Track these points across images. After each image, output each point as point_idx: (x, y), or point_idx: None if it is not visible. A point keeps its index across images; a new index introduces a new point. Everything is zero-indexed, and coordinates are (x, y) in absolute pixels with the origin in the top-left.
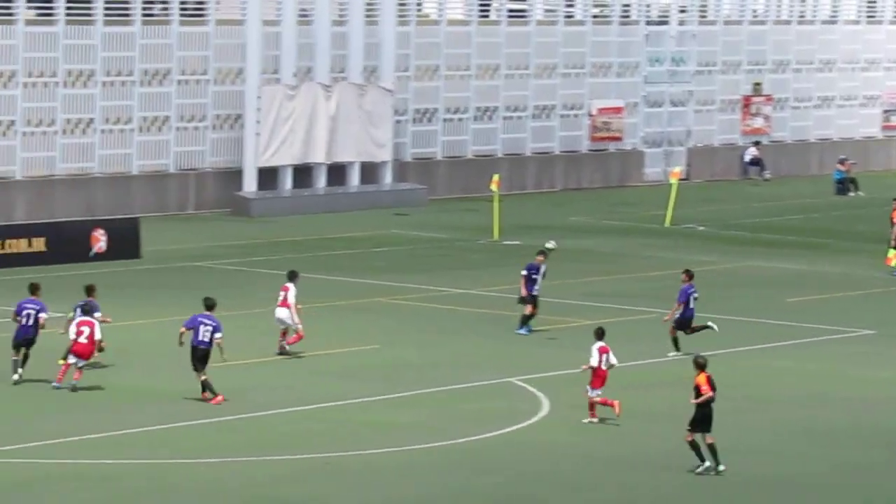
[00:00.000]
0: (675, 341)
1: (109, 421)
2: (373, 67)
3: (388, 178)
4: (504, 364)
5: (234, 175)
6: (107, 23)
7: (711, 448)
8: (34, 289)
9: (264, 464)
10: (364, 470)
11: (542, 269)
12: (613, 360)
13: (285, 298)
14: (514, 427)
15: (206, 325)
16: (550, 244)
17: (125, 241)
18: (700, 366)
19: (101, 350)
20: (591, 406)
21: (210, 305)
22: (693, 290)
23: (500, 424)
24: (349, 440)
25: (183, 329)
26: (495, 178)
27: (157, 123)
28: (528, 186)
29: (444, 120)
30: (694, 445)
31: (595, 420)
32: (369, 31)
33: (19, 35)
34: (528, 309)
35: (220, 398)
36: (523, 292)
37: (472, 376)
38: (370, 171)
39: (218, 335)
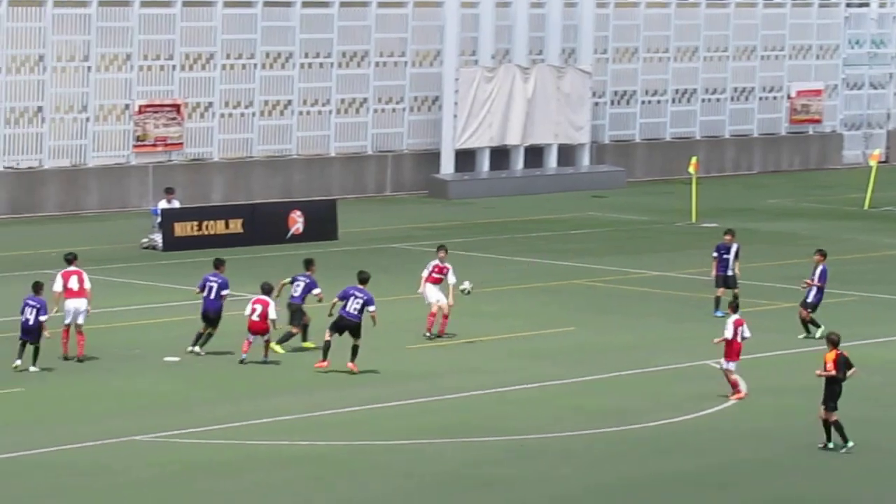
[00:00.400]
0: (809, 323)
1: (309, 402)
2: (571, 50)
3: (585, 160)
4: (699, 346)
5: (432, 157)
6: (305, 4)
7: (836, 425)
8: (218, 264)
9: (462, 446)
10: (561, 453)
11: (734, 248)
12: (748, 333)
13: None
14: (710, 410)
15: (356, 297)
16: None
17: (322, 223)
18: (832, 343)
19: (274, 328)
20: (734, 385)
21: (363, 279)
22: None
23: (696, 408)
24: (546, 423)
25: (336, 300)
26: (693, 160)
27: (355, 105)
28: (727, 169)
29: (643, 102)
30: (826, 424)
31: (742, 397)
32: (567, 13)
33: (218, 17)
34: (719, 291)
35: (324, 364)
36: (714, 273)
37: (667, 359)
38: (568, 154)
39: (371, 308)
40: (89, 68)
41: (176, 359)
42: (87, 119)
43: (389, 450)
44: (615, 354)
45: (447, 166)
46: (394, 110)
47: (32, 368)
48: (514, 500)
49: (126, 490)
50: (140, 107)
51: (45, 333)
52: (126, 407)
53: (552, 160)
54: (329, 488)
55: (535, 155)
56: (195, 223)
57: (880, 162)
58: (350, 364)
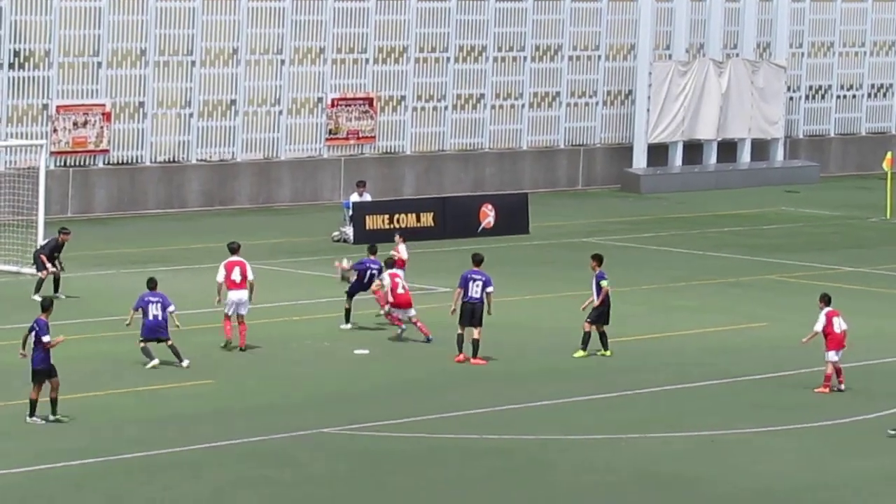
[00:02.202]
0: None
1: (497, 395)
2: (766, 44)
3: (779, 155)
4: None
5: (624, 151)
6: None
7: None
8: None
9: (650, 441)
10: (748, 449)
11: None
12: (844, 324)
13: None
14: None
15: (475, 280)
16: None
17: (514, 217)
18: None
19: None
20: (838, 372)
21: (478, 260)
22: None
23: (888, 404)
24: (736, 418)
25: (458, 290)
26: (888, 156)
27: (548, 99)
28: None
29: (838, 97)
30: None
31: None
32: (763, 7)
33: (412, 10)
34: None
35: (461, 358)
36: None
37: (862, 354)
38: (761, 148)
39: (489, 289)
40: (283, 61)
41: (365, 351)
42: (280, 112)
43: (579, 444)
44: (806, 350)
45: (639, 160)
46: (587, 104)
47: (185, 363)
48: (709, 496)
49: (313, 483)
50: (333, 100)
51: (177, 323)
52: (315, 399)
53: (745, 155)
54: (519, 483)
55: (728, 149)
56: (386, 216)
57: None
58: (475, 360)
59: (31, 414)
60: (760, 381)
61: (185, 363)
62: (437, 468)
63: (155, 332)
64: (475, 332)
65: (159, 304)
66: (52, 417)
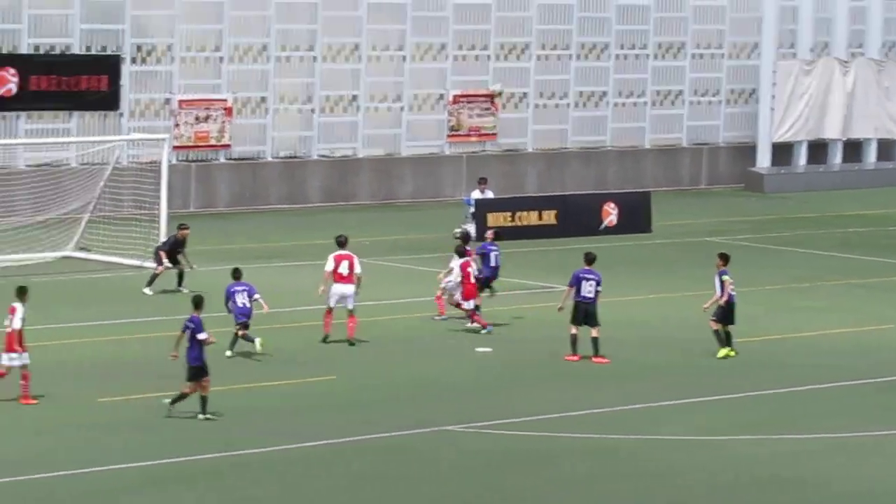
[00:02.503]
0: None
1: (620, 395)
2: (892, 43)
3: None
4: None
5: (748, 150)
6: None
7: None
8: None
9: (774, 442)
10: (873, 452)
11: None
12: None
13: None
14: None
15: (588, 279)
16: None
17: (636, 215)
18: None
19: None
20: None
21: (591, 259)
22: None
23: None
24: (861, 420)
25: (567, 288)
26: None
27: (670, 97)
28: None
29: None
30: None
31: None
32: (889, 5)
33: (533, 7)
34: None
35: (576, 357)
36: None
37: None
38: (887, 148)
39: (599, 288)
40: (404, 58)
41: (488, 349)
42: (402, 108)
43: (698, 445)
44: None
45: (763, 160)
46: (710, 102)
47: (258, 346)
48: (834, 498)
49: (439, 479)
50: (454, 96)
51: (264, 308)
52: (439, 396)
53: (871, 154)
54: (638, 483)
55: (852, 149)
56: (508, 214)
57: None
58: (596, 359)
59: (174, 402)
60: (890, 384)
61: (258, 342)
62: (556, 468)
63: (244, 317)
64: (593, 331)
65: (245, 293)
66: (201, 416)
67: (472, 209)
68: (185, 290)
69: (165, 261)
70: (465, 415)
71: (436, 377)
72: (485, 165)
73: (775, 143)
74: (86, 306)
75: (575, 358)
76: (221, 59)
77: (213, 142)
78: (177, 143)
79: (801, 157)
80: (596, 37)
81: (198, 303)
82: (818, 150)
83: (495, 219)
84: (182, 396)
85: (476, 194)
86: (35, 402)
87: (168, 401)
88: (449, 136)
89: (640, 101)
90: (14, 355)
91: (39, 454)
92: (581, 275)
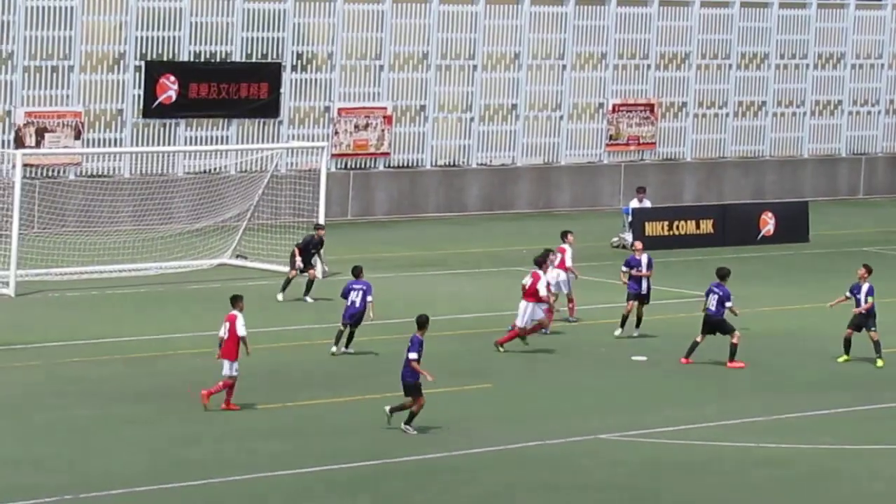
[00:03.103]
0: None
1: (775, 404)
2: None
3: None
4: None
5: None
6: (783, 6)
7: None
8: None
9: None
10: None
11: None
12: None
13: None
14: None
15: (714, 293)
16: None
17: (793, 224)
18: None
19: None
20: None
21: (723, 275)
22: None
23: None
24: None
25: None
26: None
27: (829, 107)
28: None
29: None
30: None
31: None
32: None
33: (695, 16)
34: None
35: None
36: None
37: None
38: None
39: (728, 303)
40: (564, 66)
41: (643, 358)
42: (561, 117)
43: (861, 454)
44: None
45: None
46: (869, 112)
47: (347, 350)
48: None
49: (592, 489)
50: (614, 106)
51: (371, 315)
52: (594, 405)
53: None
54: (800, 491)
55: None
56: (666, 223)
57: None
58: (731, 363)
59: (393, 411)
60: None
61: (349, 349)
62: (715, 476)
63: (353, 318)
64: (732, 338)
65: (361, 292)
66: (407, 429)
67: (630, 218)
68: (309, 300)
69: (299, 260)
70: (618, 423)
71: (591, 385)
72: (643, 174)
73: None
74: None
75: (685, 361)
76: (381, 67)
77: (371, 150)
78: (335, 151)
79: None
80: (756, 46)
81: (421, 323)
82: None
83: (653, 228)
84: (402, 407)
85: (634, 203)
86: (237, 408)
87: (388, 408)
88: (608, 145)
89: (798, 111)
90: (235, 364)
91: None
92: (711, 287)
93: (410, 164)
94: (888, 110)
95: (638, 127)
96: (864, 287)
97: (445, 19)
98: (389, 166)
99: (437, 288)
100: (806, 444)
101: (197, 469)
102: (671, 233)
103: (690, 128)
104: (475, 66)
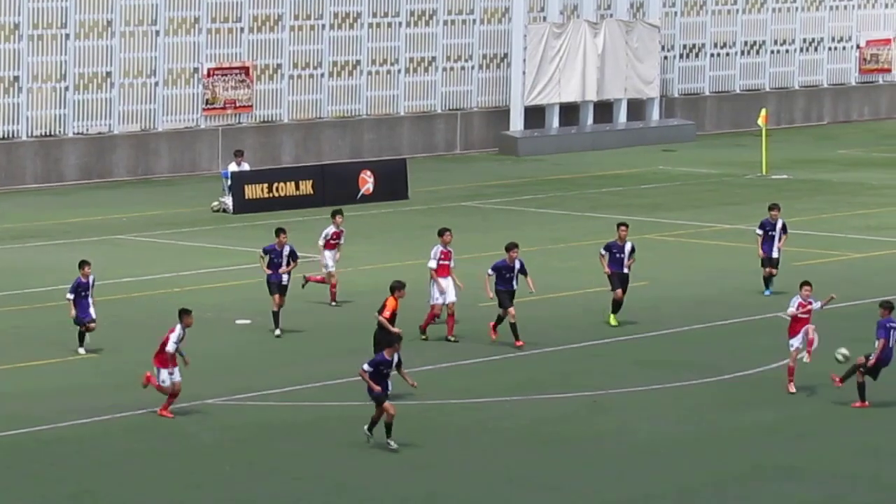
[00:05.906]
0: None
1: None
2: (639, 3)
3: (655, 114)
4: (771, 299)
5: (501, 114)
6: None
7: None
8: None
9: (533, 403)
10: (629, 407)
11: (779, 224)
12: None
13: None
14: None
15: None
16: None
17: (392, 183)
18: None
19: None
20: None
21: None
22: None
23: (768, 359)
24: (617, 378)
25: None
26: (763, 112)
27: (424, 64)
28: (796, 120)
29: (712, 55)
30: None
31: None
32: None
33: None
34: (766, 271)
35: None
36: (760, 253)
37: (739, 313)
38: (637, 108)
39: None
40: (157, 32)
41: (247, 321)
42: (156, 83)
43: (462, 408)
44: (686, 308)
45: (517, 123)
46: (462, 68)
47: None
48: (594, 453)
49: (199, 453)
50: (209, 70)
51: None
52: (198, 370)
53: (622, 115)
54: (408, 446)
55: (604, 110)
56: (265, 185)
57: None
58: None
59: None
60: (640, 340)
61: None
62: (320, 435)
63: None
64: (511, 313)
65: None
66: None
67: (229, 182)
68: None
69: None
70: (224, 388)
71: (194, 350)
72: (241, 138)
73: (528, 106)
74: None
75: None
76: None
77: None
78: None
79: (554, 120)
80: (349, 6)
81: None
82: (570, 112)
83: (252, 191)
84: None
85: (233, 167)
86: None
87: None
88: (204, 109)
89: (393, 69)
90: None
91: None
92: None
93: (5, 136)
94: (481, 65)
95: (234, 90)
96: (627, 247)
97: None
98: None
99: (39, 259)
100: (410, 400)
101: None
102: (271, 195)
103: (286, 89)
104: (68, 35)
